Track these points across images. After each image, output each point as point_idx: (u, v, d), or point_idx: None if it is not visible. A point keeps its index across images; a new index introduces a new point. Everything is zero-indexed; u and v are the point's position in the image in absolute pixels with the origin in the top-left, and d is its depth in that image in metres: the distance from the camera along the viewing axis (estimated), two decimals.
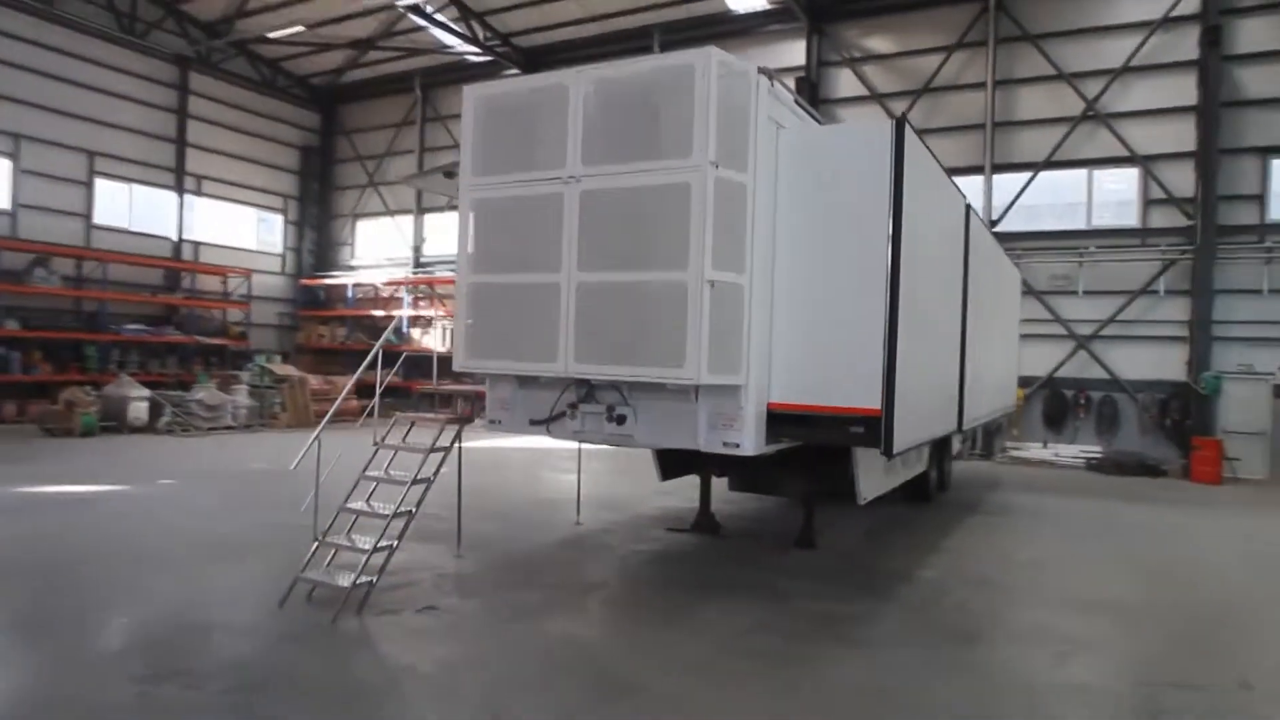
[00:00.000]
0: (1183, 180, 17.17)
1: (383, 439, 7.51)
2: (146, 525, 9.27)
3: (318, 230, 28.51)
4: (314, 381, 22.45)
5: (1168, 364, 17.12)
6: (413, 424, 7.82)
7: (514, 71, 24.65)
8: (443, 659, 5.66)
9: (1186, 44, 17.13)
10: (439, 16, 22.16)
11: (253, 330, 25.69)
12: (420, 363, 25.10)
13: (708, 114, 5.73)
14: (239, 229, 26.29)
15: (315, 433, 7.65)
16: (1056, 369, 18.16)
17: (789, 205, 6.31)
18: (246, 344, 24.84)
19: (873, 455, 8.04)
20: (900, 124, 6.01)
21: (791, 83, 20.62)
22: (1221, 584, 8.26)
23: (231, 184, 25.94)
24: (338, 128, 28.67)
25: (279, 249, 27.71)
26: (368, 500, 7.31)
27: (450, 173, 8.10)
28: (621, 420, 6.45)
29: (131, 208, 23.26)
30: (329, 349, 26.44)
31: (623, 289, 6.04)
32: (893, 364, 5.99)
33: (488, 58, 24.32)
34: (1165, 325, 17.24)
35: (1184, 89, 17.11)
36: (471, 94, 6.80)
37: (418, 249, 26.88)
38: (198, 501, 10.82)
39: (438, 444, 7.19)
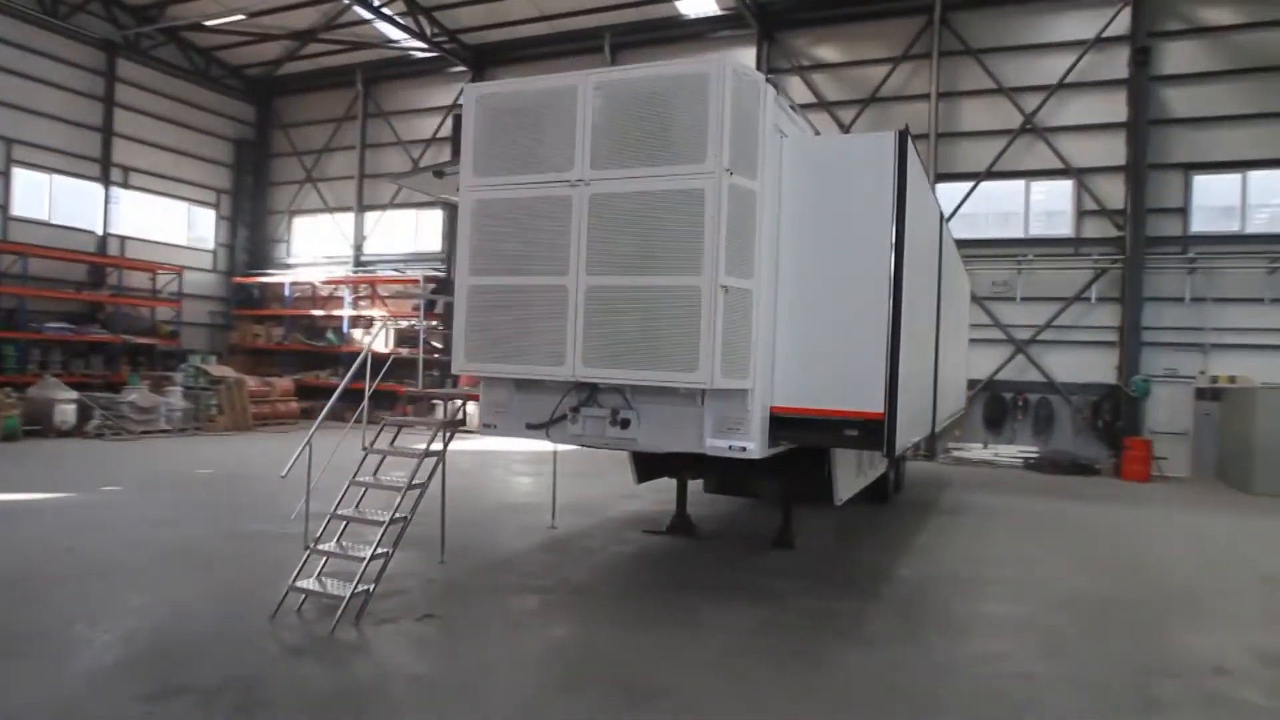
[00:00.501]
0: (1114, 192, 18.06)
1: (371, 443, 7.34)
2: (105, 535, 8.83)
3: (252, 226, 27.55)
4: (251, 383, 21.71)
5: (1099, 368, 17.97)
6: (399, 429, 7.68)
7: (460, 69, 24.35)
8: (458, 668, 5.58)
9: (1117, 63, 18.02)
10: (385, 10, 21.70)
11: (184, 329, 24.64)
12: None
13: (723, 121, 5.79)
14: (168, 224, 25.19)
15: (307, 437, 7.43)
16: (996, 372, 18.86)
17: (792, 212, 6.41)
18: (177, 343, 23.82)
19: (849, 457, 8.27)
20: (903, 135, 6.18)
21: None
22: (1179, 576, 8.73)
23: (161, 176, 24.84)
24: (274, 121, 27.78)
25: (211, 245, 26.67)
26: (357, 506, 7.14)
27: (440, 172, 7.98)
28: (625, 424, 6.45)
29: (52, 199, 22.05)
30: (265, 349, 25.59)
31: (633, 293, 6.04)
32: (895, 368, 6.15)
33: (434, 54, 23.93)
34: (1097, 331, 18.10)
35: (1115, 106, 17.99)
36: (473, 93, 6.70)
37: (359, 247, 26.25)
38: (150, 509, 10.35)
39: (428, 449, 7.07)
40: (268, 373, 23.84)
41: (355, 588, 6.23)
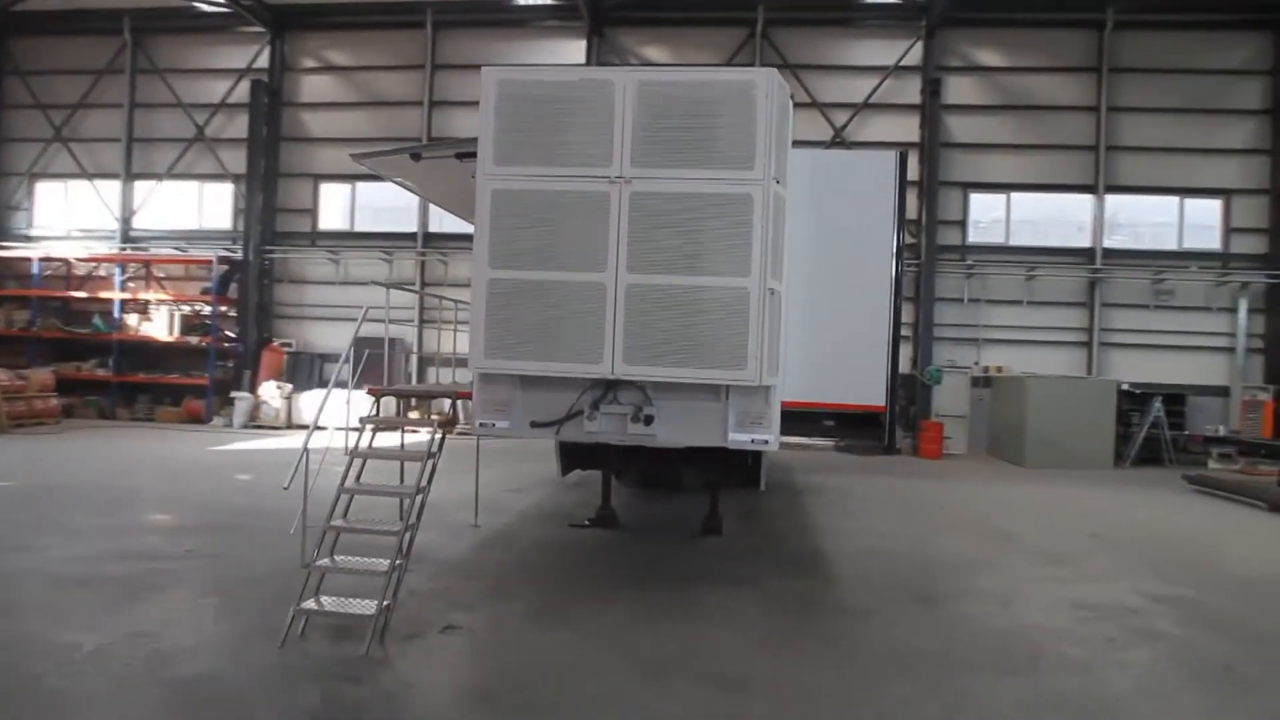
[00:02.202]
0: (910, 204, 20.44)
1: (356, 446, 6.75)
2: None
3: None
4: (2, 376, 18.35)
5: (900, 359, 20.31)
6: (376, 429, 7.10)
7: (257, 29, 22.10)
8: (525, 679, 5.36)
9: (912, 90, 20.41)
10: None
11: None
12: (141, 353, 21.72)
13: (771, 131, 6.04)
14: None
15: (304, 442, 6.65)
16: None
17: (803, 218, 6.81)
18: None
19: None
20: (904, 153, 6.80)
21: None
22: (1036, 538, 10.22)
23: None
24: (10, 65, 23.46)
25: None
26: (344, 515, 6.55)
27: (417, 155, 7.46)
28: (649, 421, 6.50)
29: None
30: (7, 336, 21.62)
31: (676, 292, 6.12)
32: (896, 364, 6.78)
33: (225, 9, 21.55)
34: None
35: (910, 128, 20.35)
36: (492, 76, 6.36)
37: (127, 221, 22.99)
38: None
39: (430, 450, 6.65)
40: (15, 364, 20.18)
41: (383, 602, 5.75)
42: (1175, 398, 18.70)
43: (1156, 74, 19.74)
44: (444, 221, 22.39)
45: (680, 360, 6.15)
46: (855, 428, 7.30)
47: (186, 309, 22.23)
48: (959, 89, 20.41)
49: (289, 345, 22.25)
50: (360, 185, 22.67)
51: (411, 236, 22.26)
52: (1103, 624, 6.86)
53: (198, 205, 23.12)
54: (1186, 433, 18.60)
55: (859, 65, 20.72)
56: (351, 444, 6.88)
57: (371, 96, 22.40)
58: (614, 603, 7.04)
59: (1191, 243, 20.06)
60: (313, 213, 22.80)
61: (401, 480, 7.74)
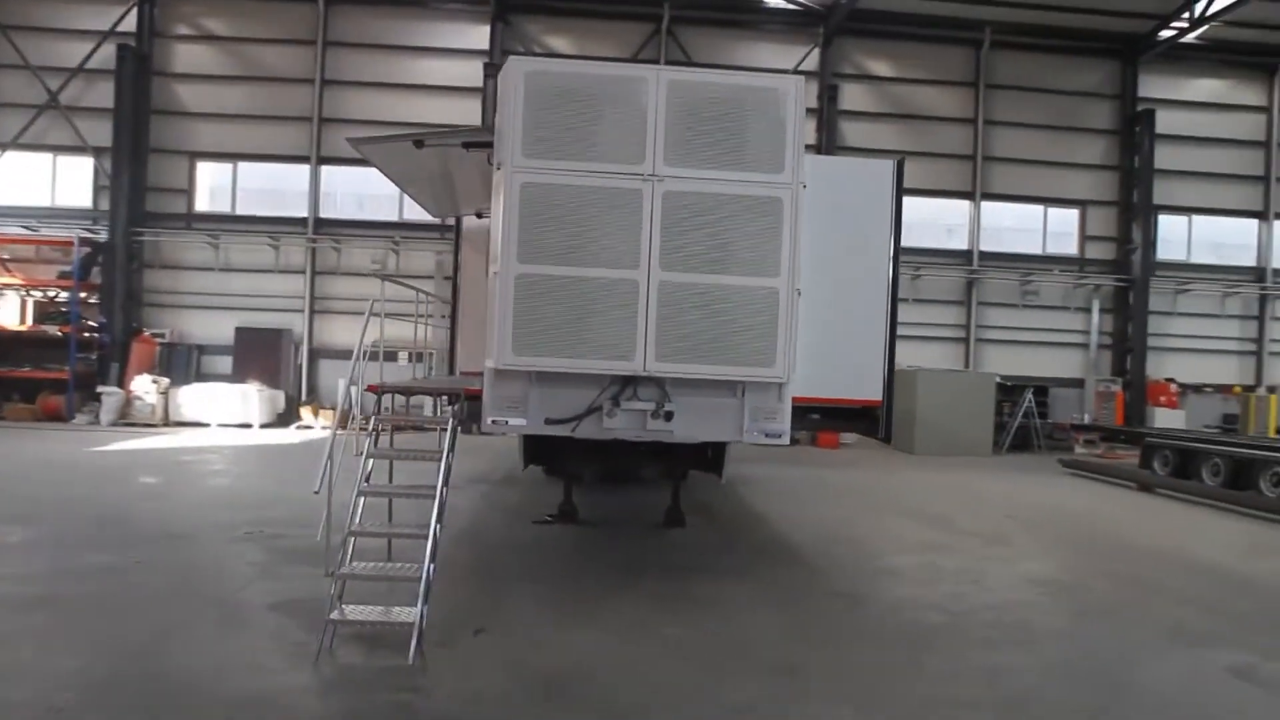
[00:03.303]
0: None
1: (369, 447, 6.43)
2: None
3: None
4: None
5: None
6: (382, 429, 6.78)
7: None
8: (583, 674, 5.32)
9: (810, 94, 21.24)
10: None
11: None
12: None
13: (798, 136, 6.25)
14: None
15: (327, 449, 6.22)
16: None
17: (808, 221, 7.06)
18: None
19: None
20: (901, 161, 7.19)
21: (479, 68, 20.62)
22: (963, 520, 11.06)
23: None
24: None
25: None
26: (359, 519, 6.24)
27: (420, 142, 7.16)
28: (670, 416, 6.57)
29: None
30: None
31: (706, 290, 6.22)
32: (893, 360, 7.18)
33: None
34: None
35: (808, 131, 21.22)
36: (519, 68, 6.19)
37: None
38: None
39: (447, 451, 6.43)
40: None
41: (422, 609, 5.55)
42: (1041, 389, 20.55)
43: (1026, 92, 21.55)
44: (338, 205, 21.54)
45: (709, 357, 6.27)
46: (847, 420, 7.62)
47: (40, 295, 20.12)
48: (853, 96, 21.50)
49: (162, 336, 20.57)
50: (243, 165, 21.26)
51: (301, 221, 21.08)
52: (1062, 597, 7.57)
53: (51, 180, 20.91)
54: (1051, 421, 20.49)
55: (760, 68, 21.33)
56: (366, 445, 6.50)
57: (256, 71, 20.99)
58: (622, 598, 7.06)
59: (1053, 248, 22.07)
60: (188, 193, 21.17)
61: (391, 479, 7.40)
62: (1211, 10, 19.53)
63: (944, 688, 5.28)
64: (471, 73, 20.85)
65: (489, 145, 6.82)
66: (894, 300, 7.21)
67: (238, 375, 20.06)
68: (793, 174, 6.25)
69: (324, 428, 19.86)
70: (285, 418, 20.19)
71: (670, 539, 9.34)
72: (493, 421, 6.71)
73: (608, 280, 6.20)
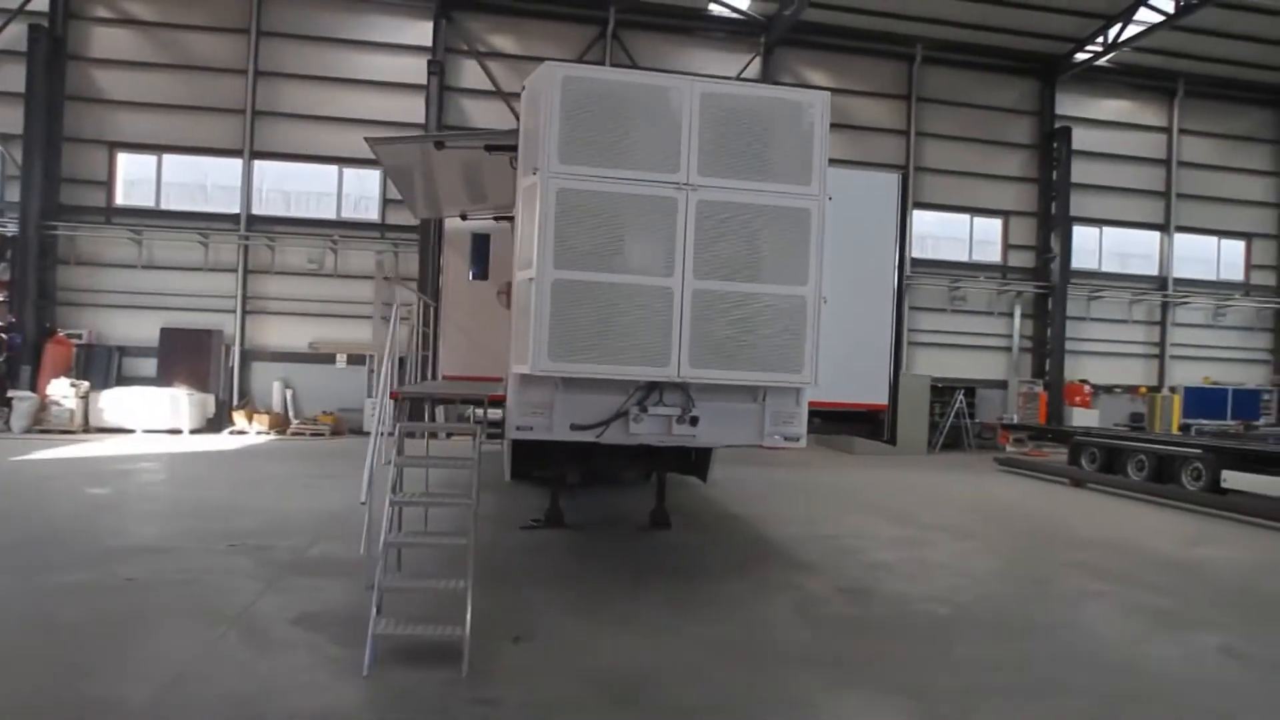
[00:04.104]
0: None
1: (396, 453, 6.29)
2: None
3: None
4: None
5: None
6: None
7: None
8: (647, 679, 5.34)
9: None
10: None
11: None
12: None
13: (824, 150, 6.46)
14: None
15: (370, 459, 6.01)
16: None
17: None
18: None
19: None
20: (905, 174, 7.50)
21: (422, 65, 20.26)
22: (926, 515, 11.57)
23: None
24: None
25: None
26: (394, 528, 6.10)
27: (441, 144, 7.04)
28: (695, 421, 6.69)
29: None
30: None
31: (736, 298, 6.36)
32: (898, 366, 7.48)
33: None
34: None
35: None
36: (557, 73, 6.18)
37: None
38: None
39: (456, 455, 6.35)
40: None
41: (469, 620, 5.48)
42: (970, 390, 21.56)
43: (955, 106, 22.58)
44: (268, 203, 20.77)
45: (740, 363, 6.42)
46: (851, 423, 7.91)
47: None
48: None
49: (79, 337, 19.38)
50: (168, 159, 20.23)
51: (232, 218, 20.22)
52: (1047, 588, 8.04)
53: None
54: (979, 421, 21.53)
55: (704, 74, 21.63)
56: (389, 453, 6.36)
57: (183, 59, 20.02)
58: (637, 600, 7.11)
59: (979, 256, 23.18)
60: (108, 185, 20.01)
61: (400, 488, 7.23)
62: (1124, 37, 20.92)
63: (983, 676, 5.57)
64: (413, 69, 20.47)
65: (512, 149, 6.81)
66: (899, 308, 7.51)
67: (163, 378, 19.10)
68: (819, 186, 6.46)
69: (259, 433, 19.14)
70: (216, 423, 19.36)
71: (660, 540, 9.44)
72: (518, 427, 6.69)
73: (642, 287, 6.26)
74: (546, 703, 4.93)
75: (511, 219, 10.27)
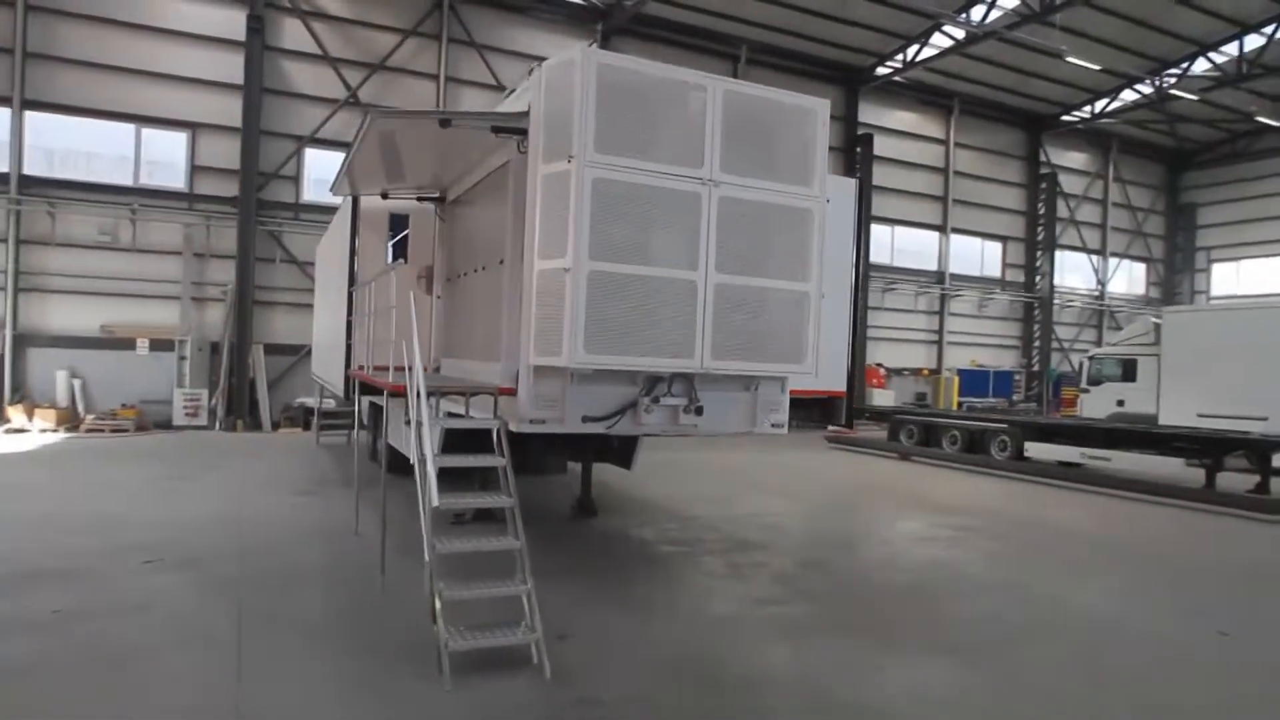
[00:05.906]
0: None
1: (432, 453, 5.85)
2: None
3: None
4: None
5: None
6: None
7: None
8: (717, 666, 5.49)
9: None
10: None
11: None
12: None
13: (825, 154, 6.86)
14: None
15: (419, 457, 5.47)
16: None
17: None
18: None
19: None
20: (861, 180, 8.10)
21: (241, 19, 18.39)
22: (841, 492, 12.56)
23: None
24: None
25: None
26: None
27: (446, 121, 6.57)
28: (700, 411, 6.86)
29: None
30: None
31: (751, 292, 6.60)
32: (855, 355, 8.11)
33: None
34: None
35: None
36: (592, 60, 5.99)
37: None
38: None
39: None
40: None
41: (538, 623, 5.32)
42: None
43: None
44: (53, 163, 17.93)
45: (754, 354, 6.67)
46: (810, 409, 8.41)
47: None
48: None
49: None
50: None
51: (1, 177, 17.17)
52: (972, 551, 9.08)
53: None
54: None
55: (539, 56, 21.36)
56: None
57: None
58: (634, 586, 7.24)
59: None
60: None
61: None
62: (921, 57, 23.47)
63: (984, 630, 6.31)
64: (229, 23, 18.49)
65: (521, 132, 6.57)
66: (857, 300, 8.13)
67: None
68: (820, 188, 6.85)
69: (44, 430, 16.52)
70: None
71: (595, 529, 9.50)
72: (530, 420, 6.52)
73: (669, 280, 6.31)
74: (644, 695, 4.94)
75: (438, 199, 9.86)
